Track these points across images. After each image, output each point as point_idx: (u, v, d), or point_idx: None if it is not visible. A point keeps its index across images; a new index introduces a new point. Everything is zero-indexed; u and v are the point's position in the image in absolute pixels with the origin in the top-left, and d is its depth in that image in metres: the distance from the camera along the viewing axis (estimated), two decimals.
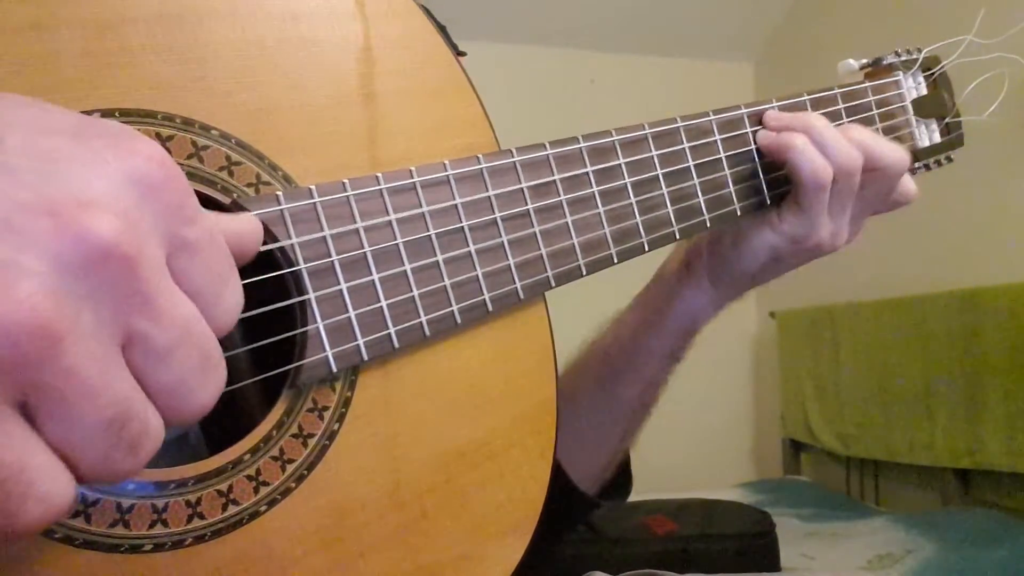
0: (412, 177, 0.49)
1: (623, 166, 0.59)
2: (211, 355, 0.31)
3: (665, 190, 0.62)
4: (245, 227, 0.37)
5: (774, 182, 0.68)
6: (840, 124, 0.69)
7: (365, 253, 0.47)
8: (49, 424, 0.27)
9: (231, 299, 0.33)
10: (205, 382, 0.31)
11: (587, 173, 0.58)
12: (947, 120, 0.80)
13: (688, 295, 0.75)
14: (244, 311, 0.43)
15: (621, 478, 0.83)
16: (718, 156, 0.65)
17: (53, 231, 0.26)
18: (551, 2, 2.86)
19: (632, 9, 2.92)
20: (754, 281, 0.74)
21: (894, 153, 0.68)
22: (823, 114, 0.70)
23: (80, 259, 0.27)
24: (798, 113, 0.68)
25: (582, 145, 0.58)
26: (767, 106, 0.68)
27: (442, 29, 0.76)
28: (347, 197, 0.46)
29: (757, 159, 0.68)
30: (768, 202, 0.68)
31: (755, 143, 0.67)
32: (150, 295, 0.29)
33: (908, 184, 0.73)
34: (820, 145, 0.65)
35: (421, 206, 0.50)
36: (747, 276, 0.73)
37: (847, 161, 0.66)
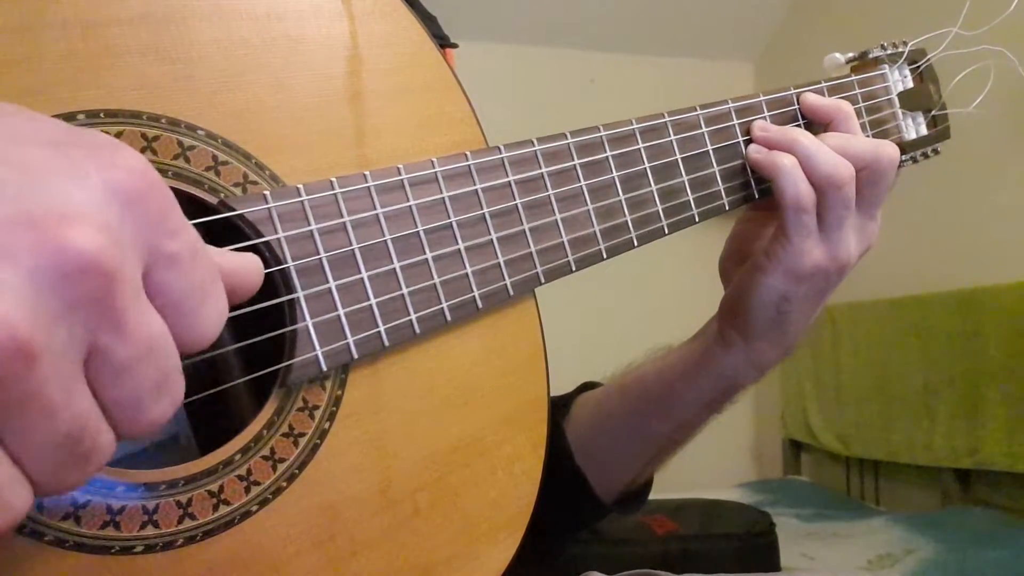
0: (400, 174, 0.49)
1: (611, 161, 0.59)
2: (169, 375, 0.31)
3: (654, 186, 0.62)
4: (244, 264, 0.37)
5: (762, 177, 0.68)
6: (820, 135, 0.67)
7: (353, 251, 0.47)
8: (7, 436, 0.27)
9: (211, 313, 0.32)
10: (159, 401, 0.31)
11: (575, 169, 0.58)
12: (934, 113, 0.80)
13: (721, 355, 0.72)
14: (233, 311, 0.43)
15: (640, 492, 0.82)
16: (705, 150, 0.65)
17: (32, 245, 0.26)
18: (551, 2, 2.86)
19: (632, 9, 2.92)
20: (782, 328, 0.69)
21: (879, 149, 0.66)
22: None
23: (59, 274, 0.26)
24: (785, 128, 0.66)
25: (570, 141, 0.58)
26: (753, 100, 0.68)
27: (431, 19, 0.76)
28: (335, 195, 0.46)
29: (744, 154, 0.67)
30: (757, 196, 0.68)
31: (743, 146, 0.67)
32: (120, 310, 0.28)
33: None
34: (804, 160, 0.63)
35: (409, 203, 0.50)
36: (770, 326, 0.69)
37: (833, 174, 0.63)
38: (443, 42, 0.76)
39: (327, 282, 0.46)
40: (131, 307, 0.29)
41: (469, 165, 0.52)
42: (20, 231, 0.26)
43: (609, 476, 0.78)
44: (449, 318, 0.51)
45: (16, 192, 0.27)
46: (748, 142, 0.67)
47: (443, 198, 0.51)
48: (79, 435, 0.28)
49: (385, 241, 0.48)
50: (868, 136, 0.74)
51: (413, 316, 0.49)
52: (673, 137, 0.63)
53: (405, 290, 0.49)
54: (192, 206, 0.43)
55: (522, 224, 0.55)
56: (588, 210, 0.58)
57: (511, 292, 0.54)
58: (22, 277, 0.26)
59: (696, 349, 0.74)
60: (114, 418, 0.30)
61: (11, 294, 0.25)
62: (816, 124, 0.71)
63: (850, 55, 0.78)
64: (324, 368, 0.46)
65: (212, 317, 0.33)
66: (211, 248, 0.35)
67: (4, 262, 0.26)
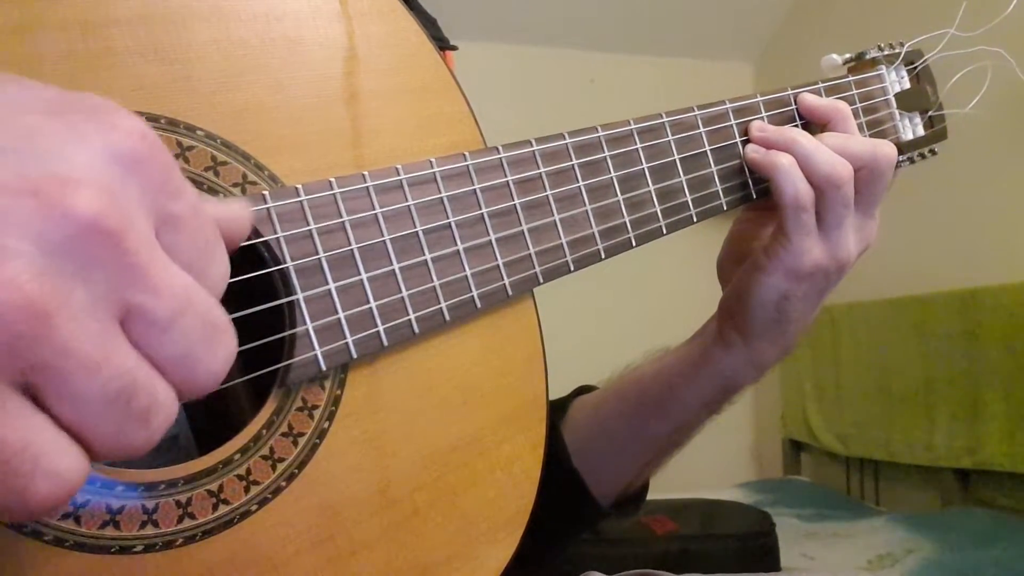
0: (399, 175, 0.49)
1: (609, 162, 0.60)
2: (216, 322, 0.31)
3: (651, 187, 0.62)
4: (234, 211, 0.37)
5: (760, 178, 0.68)
6: (818, 135, 0.67)
7: (353, 251, 0.47)
8: (56, 403, 0.27)
9: (217, 272, 0.33)
10: (213, 350, 0.31)
11: (573, 169, 0.58)
12: (931, 114, 0.80)
13: (720, 355, 0.72)
14: (233, 312, 0.43)
15: (637, 495, 0.82)
16: (703, 150, 0.65)
17: (36, 210, 0.26)
18: (551, 2, 2.86)
19: (632, 9, 2.92)
20: (782, 327, 0.69)
21: (877, 149, 0.66)
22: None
23: (65, 236, 0.27)
24: (783, 128, 0.67)
25: (568, 142, 0.58)
26: (751, 101, 0.68)
27: (432, 22, 0.76)
28: (334, 195, 0.47)
29: (742, 154, 0.67)
30: (755, 196, 0.68)
31: (741, 147, 0.67)
32: (143, 267, 0.28)
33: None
34: (803, 160, 0.64)
35: (408, 204, 0.50)
36: (770, 325, 0.69)
37: (832, 173, 0.63)
38: (442, 44, 0.76)
39: (326, 282, 0.46)
40: (153, 263, 0.29)
41: (467, 165, 0.52)
42: (23, 198, 0.26)
43: (607, 478, 0.78)
44: (448, 318, 0.51)
45: (17, 159, 0.27)
46: (746, 142, 0.67)
47: (441, 198, 0.51)
48: (131, 390, 0.28)
49: (384, 241, 0.48)
50: (866, 136, 0.74)
51: (412, 316, 0.49)
52: (671, 137, 0.63)
53: (404, 290, 0.49)
54: None
55: (520, 224, 0.55)
56: (586, 210, 0.58)
57: (510, 292, 0.54)
58: (28, 242, 0.26)
59: (695, 349, 0.74)
60: (173, 376, 0.30)
61: (18, 259, 0.26)
62: (814, 124, 0.71)
63: (847, 56, 0.78)
64: (323, 368, 0.46)
65: (218, 277, 0.33)
66: (199, 193, 0.35)
67: (9, 228, 0.26)
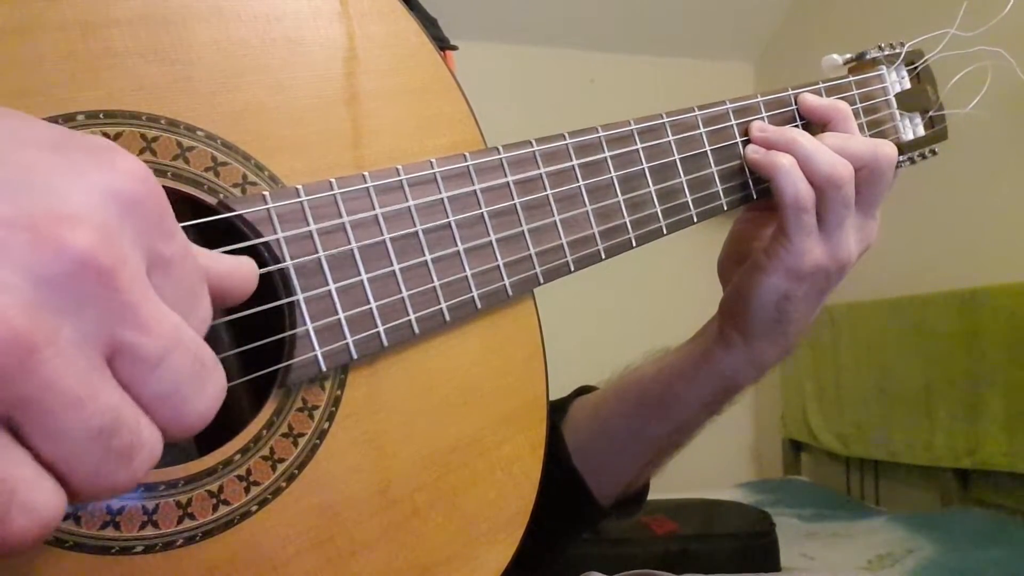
0: (399, 175, 0.49)
1: (609, 162, 0.60)
2: (205, 361, 0.31)
3: (652, 187, 0.62)
4: (233, 267, 0.37)
5: (760, 178, 0.68)
6: (819, 136, 0.67)
7: (353, 251, 0.47)
8: (36, 438, 0.27)
9: (199, 317, 0.33)
10: (202, 388, 0.31)
11: (574, 169, 0.58)
12: (931, 114, 0.80)
13: (721, 355, 0.72)
14: (233, 312, 0.43)
15: (638, 495, 0.82)
16: (704, 151, 0.65)
17: (30, 244, 0.26)
18: (551, 2, 2.86)
19: (632, 9, 2.92)
20: (783, 327, 0.69)
21: (878, 148, 0.66)
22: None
23: (57, 272, 0.27)
24: (784, 128, 0.66)
25: (568, 142, 0.58)
26: (751, 101, 0.68)
27: (432, 22, 0.76)
28: (334, 196, 0.47)
29: (742, 155, 0.67)
30: (755, 196, 0.68)
31: (741, 147, 0.67)
32: (134, 305, 0.28)
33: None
34: (804, 161, 0.64)
35: (408, 204, 0.50)
36: (770, 325, 0.69)
37: (833, 173, 0.63)
38: (443, 44, 0.76)
39: (326, 283, 0.46)
40: (144, 302, 0.29)
41: (468, 166, 0.52)
42: (18, 232, 0.26)
43: (607, 479, 0.77)
44: (448, 318, 0.51)
45: (15, 193, 0.27)
46: (746, 143, 0.67)
47: (442, 199, 0.51)
48: (113, 428, 0.28)
49: (384, 241, 0.48)
50: (867, 136, 0.74)
51: (412, 316, 0.49)
52: (671, 138, 0.63)
53: (404, 291, 0.49)
54: (191, 207, 0.44)
55: (521, 225, 0.55)
56: (587, 211, 0.58)
57: (510, 292, 0.54)
58: (19, 275, 0.26)
59: (695, 350, 0.74)
60: (158, 415, 0.30)
61: (7, 292, 0.26)
62: (814, 125, 0.71)
63: (848, 56, 0.78)
64: (323, 368, 0.46)
65: (201, 320, 0.33)
66: (204, 251, 0.35)
67: (3, 262, 0.26)
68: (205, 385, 0.31)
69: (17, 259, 0.26)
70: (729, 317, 0.71)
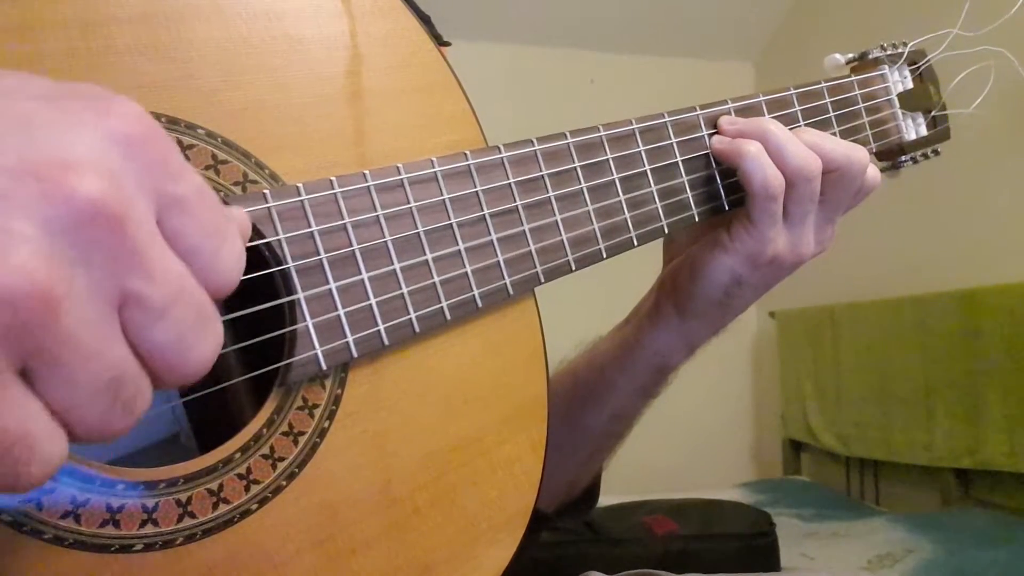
0: (400, 174, 0.49)
1: (611, 162, 0.60)
2: (206, 311, 0.31)
3: (653, 186, 0.62)
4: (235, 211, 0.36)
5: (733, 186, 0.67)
6: (795, 128, 0.67)
7: (354, 250, 0.47)
8: (49, 388, 0.27)
9: (230, 256, 0.32)
10: (203, 338, 0.31)
11: (575, 169, 0.58)
12: (933, 113, 0.80)
13: (656, 333, 0.73)
14: (234, 311, 0.43)
15: (583, 499, 0.81)
16: (705, 151, 0.65)
17: (40, 195, 0.26)
18: (551, 2, 2.86)
19: (632, 9, 2.92)
20: (723, 310, 0.71)
21: (852, 152, 0.66)
22: (779, 116, 0.68)
23: (69, 221, 0.27)
24: (754, 119, 0.66)
25: (570, 141, 0.58)
26: (753, 100, 0.68)
27: (425, 20, 0.76)
28: (335, 194, 0.47)
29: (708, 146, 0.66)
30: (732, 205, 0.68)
31: (708, 141, 0.66)
32: (141, 253, 0.28)
33: (871, 172, 0.69)
34: (775, 151, 0.63)
35: (409, 203, 0.50)
36: (713, 306, 0.70)
37: (803, 166, 0.63)
38: (436, 42, 0.76)
39: (327, 282, 0.46)
40: (151, 249, 0.29)
41: (469, 165, 0.52)
42: (27, 182, 0.26)
43: (546, 480, 0.77)
44: (449, 317, 0.51)
45: (17, 144, 0.27)
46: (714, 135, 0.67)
47: (443, 197, 0.51)
48: (121, 380, 0.28)
49: (385, 240, 0.48)
50: (867, 136, 0.74)
51: (413, 315, 0.49)
52: (673, 138, 0.63)
53: (405, 289, 0.49)
54: None
55: (522, 224, 0.55)
56: (588, 210, 0.58)
57: (511, 291, 0.54)
58: (34, 227, 0.26)
59: (628, 332, 0.75)
60: (160, 363, 0.30)
61: (27, 243, 0.26)
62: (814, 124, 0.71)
63: (850, 56, 0.78)
64: (324, 367, 0.46)
65: (232, 260, 0.32)
66: None
67: (15, 213, 0.26)
68: (207, 333, 0.31)
69: (29, 208, 0.26)
70: (671, 291, 0.72)
